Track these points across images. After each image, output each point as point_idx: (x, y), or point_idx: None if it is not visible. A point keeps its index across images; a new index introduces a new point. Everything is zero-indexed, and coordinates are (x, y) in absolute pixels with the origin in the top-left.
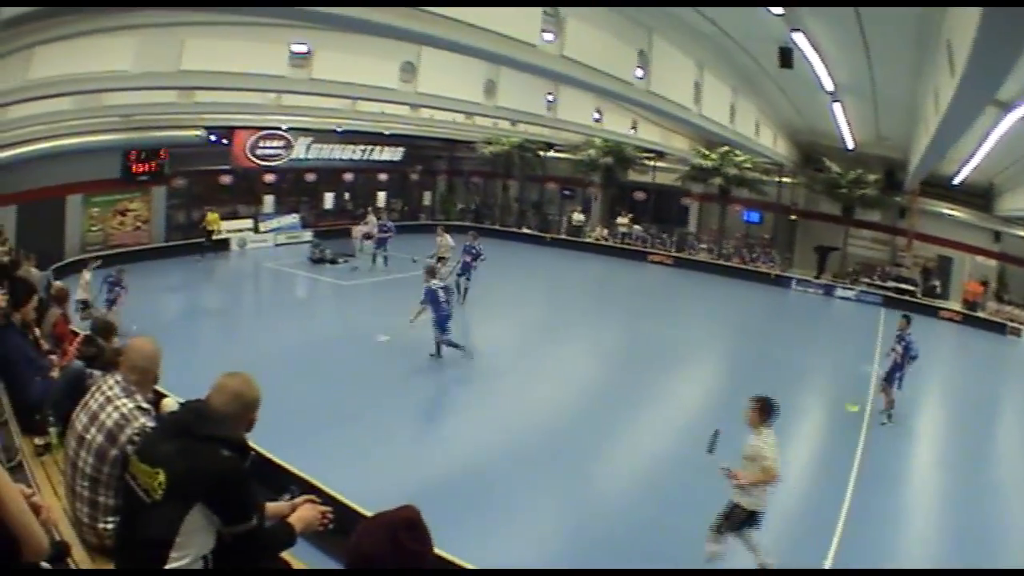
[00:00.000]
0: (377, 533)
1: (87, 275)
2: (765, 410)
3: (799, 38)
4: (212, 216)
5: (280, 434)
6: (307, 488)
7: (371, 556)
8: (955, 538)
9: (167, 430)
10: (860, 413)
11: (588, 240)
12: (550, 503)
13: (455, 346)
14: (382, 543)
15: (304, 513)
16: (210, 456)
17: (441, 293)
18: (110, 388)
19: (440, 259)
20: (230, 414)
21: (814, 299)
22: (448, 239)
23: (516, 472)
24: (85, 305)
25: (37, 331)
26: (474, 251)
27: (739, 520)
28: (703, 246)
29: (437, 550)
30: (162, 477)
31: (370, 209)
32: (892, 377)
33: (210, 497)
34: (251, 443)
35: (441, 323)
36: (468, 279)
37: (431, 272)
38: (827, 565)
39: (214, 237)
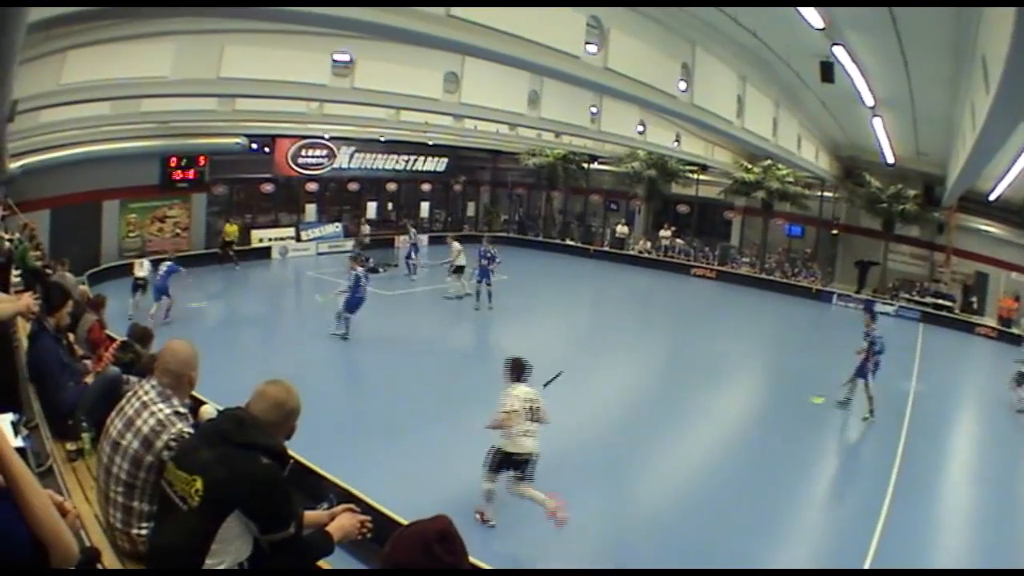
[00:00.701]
0: (411, 545)
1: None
2: (514, 370)
3: (840, 52)
4: (230, 228)
5: (318, 442)
6: (344, 496)
7: (406, 569)
8: (987, 551)
9: (206, 437)
10: (895, 428)
11: (631, 253)
12: (584, 511)
13: (345, 329)
14: (416, 556)
15: (343, 522)
16: (249, 463)
17: (363, 280)
18: (146, 393)
19: (458, 268)
20: (270, 422)
21: (855, 314)
22: (456, 244)
23: (552, 481)
24: (143, 284)
25: (71, 336)
26: (488, 255)
27: (496, 460)
28: (745, 260)
29: (472, 558)
30: (199, 484)
31: (363, 219)
32: (864, 373)
33: (248, 504)
34: (289, 451)
35: (351, 304)
36: (489, 283)
37: (355, 259)
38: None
39: (233, 248)
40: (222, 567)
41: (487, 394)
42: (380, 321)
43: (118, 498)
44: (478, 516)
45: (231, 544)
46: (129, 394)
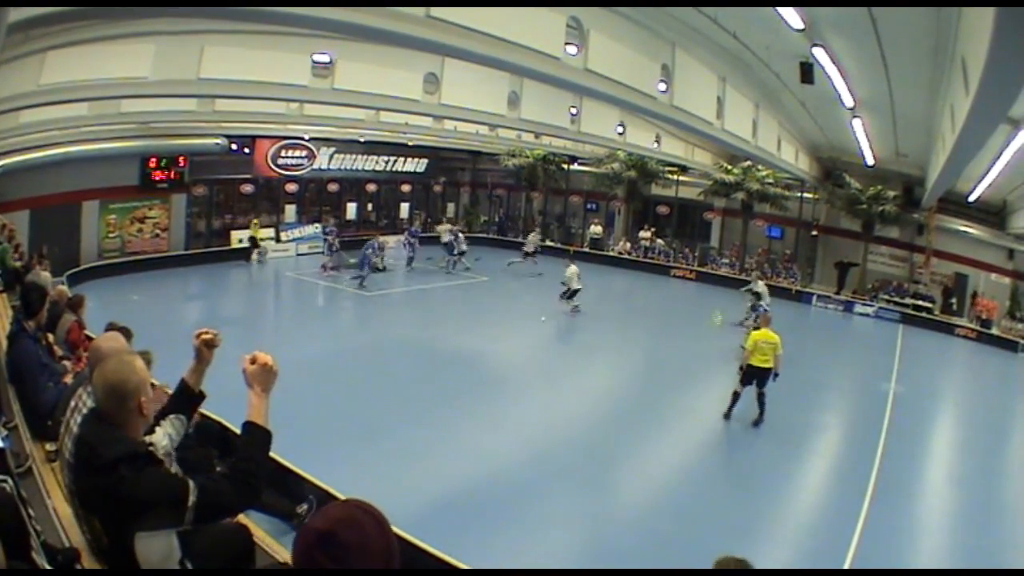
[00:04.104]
0: (297, 550)
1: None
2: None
3: (820, 53)
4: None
5: (300, 443)
6: (324, 497)
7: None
8: (968, 551)
9: (79, 469)
10: (875, 429)
11: (611, 254)
12: (566, 513)
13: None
14: (302, 562)
15: (254, 398)
16: (118, 487)
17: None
18: (84, 404)
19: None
20: (113, 413)
21: (834, 315)
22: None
23: (534, 483)
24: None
25: (51, 337)
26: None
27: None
28: (725, 261)
29: (447, 557)
30: (97, 524)
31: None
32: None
33: (142, 524)
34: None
35: (361, 264)
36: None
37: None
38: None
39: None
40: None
41: (467, 396)
42: (362, 322)
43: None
44: None
45: (155, 556)
46: (72, 405)
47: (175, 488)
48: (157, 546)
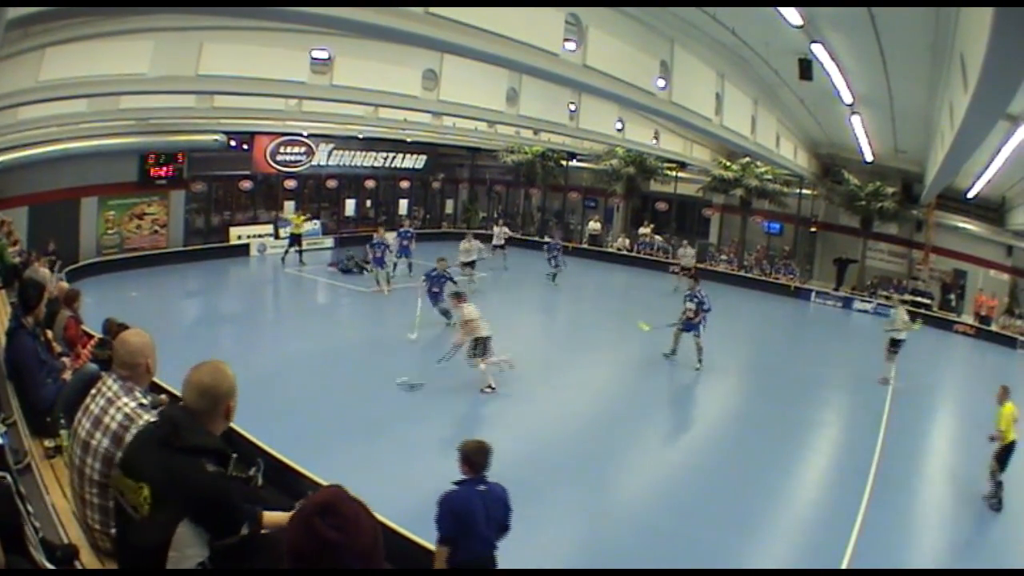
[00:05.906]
0: (294, 523)
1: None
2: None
3: (818, 50)
4: (297, 218)
5: (299, 440)
6: None
7: (293, 549)
8: (964, 552)
9: (148, 442)
10: (874, 426)
11: (609, 250)
12: (564, 511)
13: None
14: (298, 534)
15: (279, 518)
16: (193, 472)
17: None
18: (109, 388)
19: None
20: (202, 411)
21: (833, 312)
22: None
23: (533, 480)
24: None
25: (49, 333)
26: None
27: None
28: (724, 257)
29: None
30: (147, 492)
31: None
32: (692, 327)
33: (196, 514)
34: (270, 449)
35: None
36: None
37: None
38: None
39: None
40: (185, 565)
41: (470, 395)
42: (359, 320)
43: (94, 499)
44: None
45: (187, 549)
46: (93, 392)
47: (242, 517)
48: (195, 544)
